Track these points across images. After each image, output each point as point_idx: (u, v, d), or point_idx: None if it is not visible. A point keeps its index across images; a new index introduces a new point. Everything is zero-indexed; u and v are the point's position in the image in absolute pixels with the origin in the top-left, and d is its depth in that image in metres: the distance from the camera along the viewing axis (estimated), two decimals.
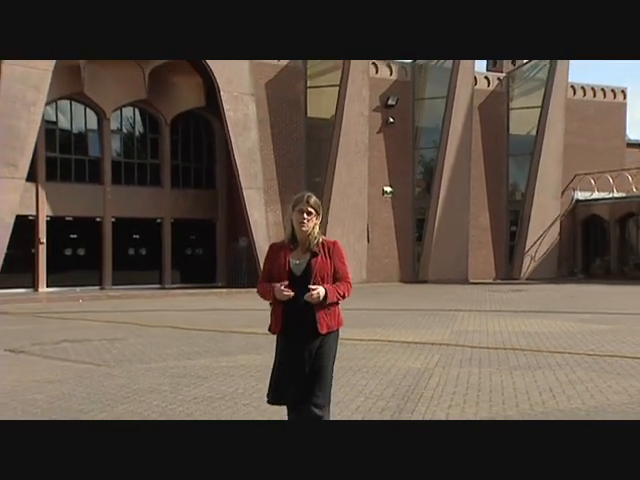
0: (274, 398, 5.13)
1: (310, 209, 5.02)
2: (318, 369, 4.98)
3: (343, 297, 5.07)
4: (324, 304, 4.93)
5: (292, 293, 4.84)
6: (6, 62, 24.69)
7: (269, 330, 5.18)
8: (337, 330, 5.11)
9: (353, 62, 33.13)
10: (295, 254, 5.06)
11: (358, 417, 7.07)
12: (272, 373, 5.18)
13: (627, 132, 44.47)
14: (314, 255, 5.02)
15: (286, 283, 4.87)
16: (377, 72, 35.41)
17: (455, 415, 7.25)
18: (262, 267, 5.34)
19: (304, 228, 5.00)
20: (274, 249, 5.22)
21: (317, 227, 5.10)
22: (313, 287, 4.88)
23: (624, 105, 43.27)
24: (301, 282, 4.91)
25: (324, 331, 4.96)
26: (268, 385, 5.19)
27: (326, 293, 4.91)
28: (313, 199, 5.09)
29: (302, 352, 4.96)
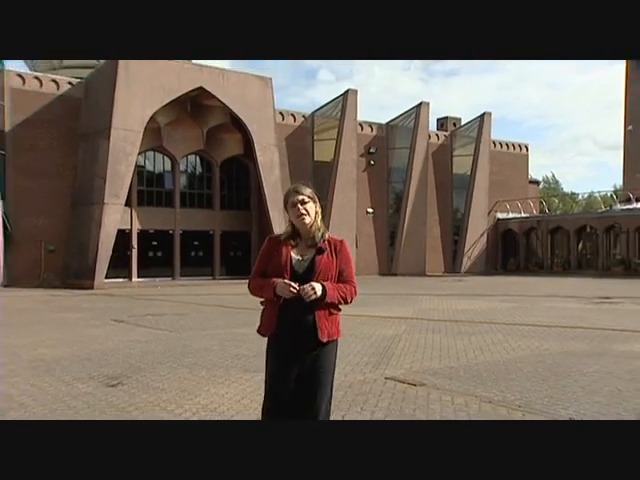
0: (271, 412, 3.16)
1: (304, 197, 3.16)
2: (317, 384, 3.10)
3: (345, 301, 3.15)
4: (323, 304, 3.07)
5: (297, 288, 3.01)
6: (114, 127, 25.16)
7: (258, 332, 3.25)
8: (336, 340, 3.20)
9: (346, 123, 33.35)
10: (297, 249, 3.19)
11: (349, 368, 6.95)
12: (267, 382, 3.22)
13: (529, 173, 45.41)
14: (320, 252, 3.15)
15: (287, 281, 3.04)
16: (362, 130, 35.65)
17: (416, 366, 7.15)
18: (257, 261, 3.29)
19: (306, 220, 3.14)
20: (272, 242, 3.25)
21: (319, 216, 3.23)
22: (307, 284, 3.02)
23: (527, 155, 44.35)
24: (303, 281, 3.05)
25: (325, 339, 3.09)
26: (265, 395, 3.22)
27: (324, 290, 3.04)
28: (302, 187, 3.21)
29: (298, 362, 3.09)
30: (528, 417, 4.93)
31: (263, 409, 3.22)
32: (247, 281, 3.27)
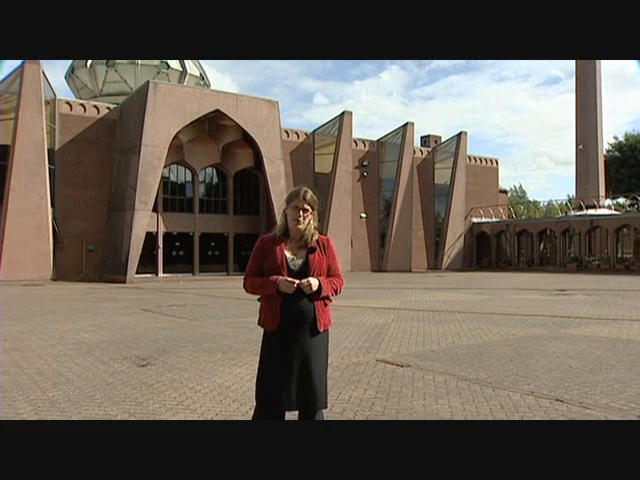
0: (269, 409, 2.90)
1: (306, 205, 2.97)
2: (315, 371, 2.90)
3: (336, 292, 3.02)
4: (319, 298, 2.93)
5: (297, 282, 2.85)
6: (144, 144, 25.23)
7: (260, 324, 3.04)
8: (327, 329, 3.02)
9: (342, 139, 33.30)
10: (289, 249, 2.99)
11: (345, 352, 6.86)
12: (262, 375, 2.96)
13: (499, 184, 45.29)
14: (311, 251, 2.97)
15: (289, 278, 2.87)
16: (356, 146, 35.60)
17: (403, 350, 7.09)
18: (251, 261, 3.06)
19: (300, 226, 2.96)
20: (265, 242, 3.05)
21: (312, 223, 3.02)
22: (305, 280, 2.87)
23: (497, 168, 44.09)
24: (299, 277, 2.89)
25: (322, 329, 2.94)
26: (258, 388, 2.95)
27: (320, 285, 2.90)
28: (309, 194, 3.00)
29: (299, 352, 2.88)
30: (497, 392, 4.94)
31: (260, 399, 2.94)
32: None
